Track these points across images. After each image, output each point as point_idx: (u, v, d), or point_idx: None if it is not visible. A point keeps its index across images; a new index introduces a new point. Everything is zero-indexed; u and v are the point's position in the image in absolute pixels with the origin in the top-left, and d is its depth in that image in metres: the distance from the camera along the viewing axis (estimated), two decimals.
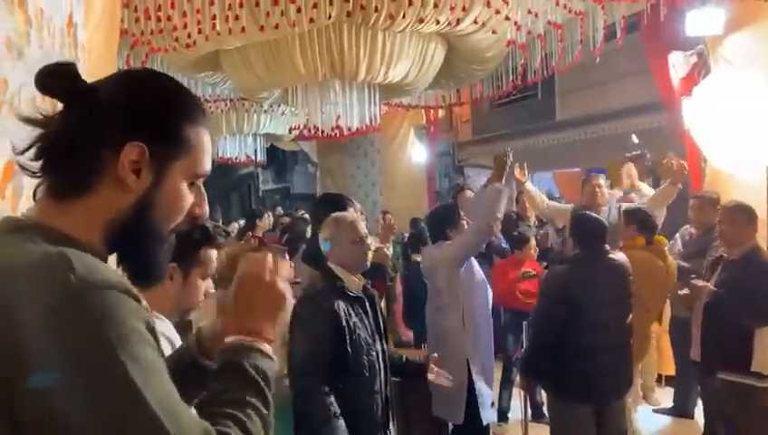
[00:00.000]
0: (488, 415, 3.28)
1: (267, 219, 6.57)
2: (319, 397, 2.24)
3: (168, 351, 1.46)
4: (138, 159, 0.82)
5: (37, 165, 0.84)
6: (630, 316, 3.04)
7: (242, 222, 7.75)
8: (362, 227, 2.54)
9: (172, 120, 0.87)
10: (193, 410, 0.80)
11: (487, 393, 3.27)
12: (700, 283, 3.32)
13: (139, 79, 0.90)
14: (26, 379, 0.67)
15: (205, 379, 0.97)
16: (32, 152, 0.84)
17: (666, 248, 3.65)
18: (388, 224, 6.57)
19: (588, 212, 3.43)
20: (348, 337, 2.33)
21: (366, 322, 2.44)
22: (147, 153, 0.83)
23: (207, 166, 0.91)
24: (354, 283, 2.47)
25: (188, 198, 0.90)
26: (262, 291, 0.95)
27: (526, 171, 4.80)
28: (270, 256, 0.98)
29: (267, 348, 0.91)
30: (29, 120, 0.84)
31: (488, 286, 3.56)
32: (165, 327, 1.52)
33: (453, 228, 3.40)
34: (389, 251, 6.01)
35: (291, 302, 1.00)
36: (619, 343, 2.98)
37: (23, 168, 0.85)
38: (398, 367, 2.67)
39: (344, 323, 2.33)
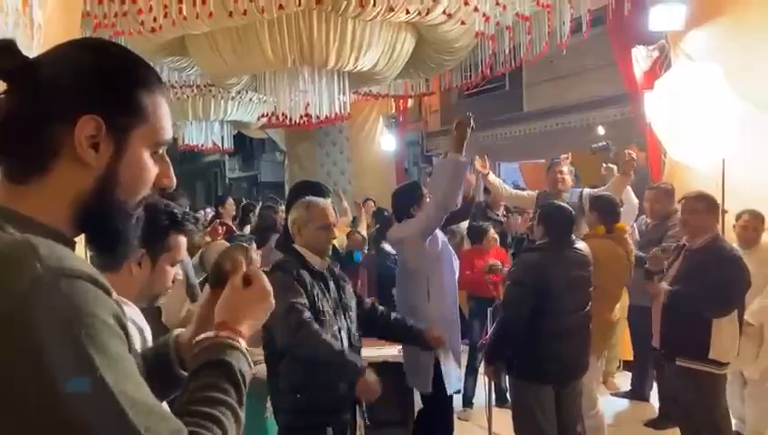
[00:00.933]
0: (453, 385, 3.33)
1: (231, 206, 6.51)
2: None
3: (135, 336, 1.47)
4: (95, 132, 0.77)
5: None
6: (590, 304, 3.13)
7: (208, 210, 7.66)
8: (332, 213, 2.64)
9: (125, 88, 0.81)
10: (165, 406, 0.78)
11: (452, 364, 3.30)
12: (656, 286, 3.39)
13: (85, 48, 0.83)
14: None
15: (177, 386, 0.96)
16: None
17: (627, 235, 3.73)
18: (370, 210, 6.76)
19: (556, 201, 3.50)
20: (312, 306, 2.46)
21: (328, 296, 2.56)
22: (103, 125, 0.78)
23: (169, 133, 0.88)
24: (317, 262, 2.58)
25: (152, 169, 0.85)
26: (262, 303, 0.98)
27: (487, 162, 4.85)
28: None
29: (244, 347, 0.91)
30: None
31: (453, 252, 3.58)
32: (133, 313, 1.51)
33: (416, 206, 3.42)
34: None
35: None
36: (580, 328, 3.08)
37: None
38: (404, 330, 2.91)
39: (309, 289, 2.47)
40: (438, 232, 3.47)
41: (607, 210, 3.60)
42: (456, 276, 3.59)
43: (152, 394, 0.73)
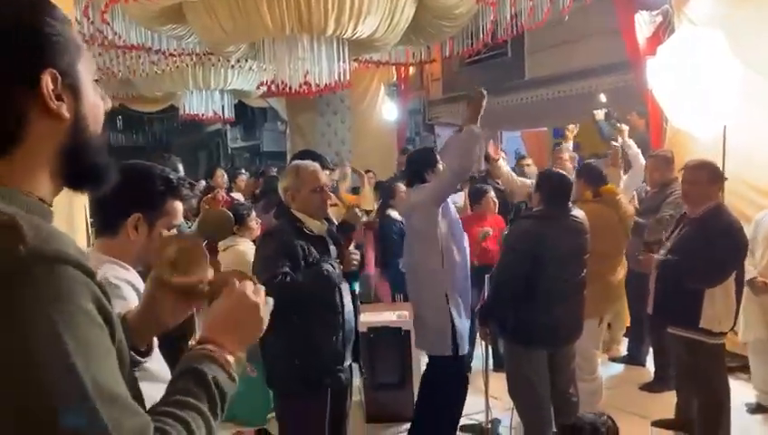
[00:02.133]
0: (465, 347, 3.41)
1: (221, 177, 6.56)
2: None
3: (133, 299, 1.50)
4: (54, 84, 0.78)
5: None
6: (585, 271, 3.16)
7: (202, 182, 7.71)
8: (322, 176, 2.68)
9: (49, 27, 0.79)
10: (134, 403, 0.77)
11: (464, 327, 3.38)
12: (648, 256, 3.41)
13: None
14: None
15: None
16: None
17: (618, 197, 3.75)
18: (372, 181, 6.83)
19: (553, 170, 3.52)
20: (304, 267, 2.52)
21: (328, 259, 2.62)
22: (58, 75, 0.78)
23: (91, 56, 0.88)
24: (316, 226, 2.63)
25: (98, 97, 0.87)
26: (251, 319, 0.98)
27: (499, 148, 4.93)
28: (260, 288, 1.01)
29: (233, 368, 0.92)
30: None
31: (465, 235, 3.59)
32: (131, 276, 1.55)
33: (430, 171, 3.42)
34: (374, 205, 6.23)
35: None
36: (573, 294, 3.12)
37: None
38: None
39: (301, 259, 2.51)
40: (449, 202, 3.50)
41: (591, 175, 3.63)
42: (467, 247, 3.60)
43: (124, 385, 0.75)
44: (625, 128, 4.59)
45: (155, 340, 1.44)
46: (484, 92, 3.23)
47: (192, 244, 1.07)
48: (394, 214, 4.99)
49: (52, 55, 0.78)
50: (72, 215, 2.12)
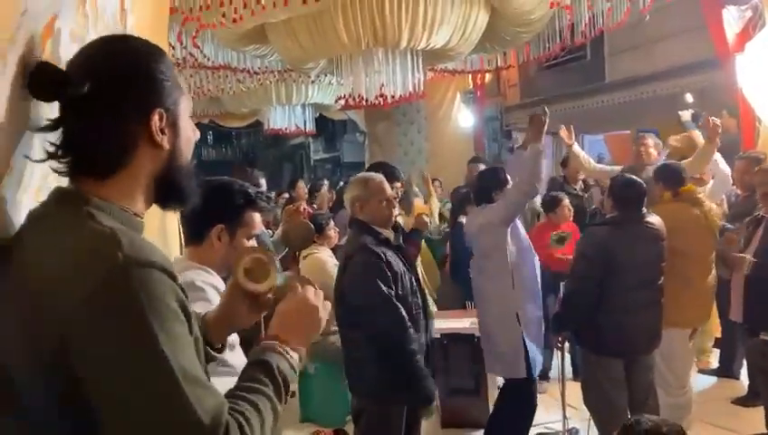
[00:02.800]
0: (537, 368, 3.39)
1: (301, 188, 6.80)
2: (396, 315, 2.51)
3: (218, 299, 1.65)
4: (161, 122, 0.95)
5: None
6: (662, 279, 3.06)
7: (285, 195, 8.03)
8: (388, 188, 2.73)
9: (160, 73, 0.96)
10: (214, 386, 0.89)
11: (535, 349, 3.35)
12: (737, 256, 3.26)
13: (116, 52, 0.95)
14: (74, 342, 0.80)
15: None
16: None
17: (700, 195, 3.58)
18: (437, 190, 6.87)
19: (627, 174, 3.43)
20: (399, 282, 2.57)
21: (407, 270, 2.67)
22: (164, 114, 0.95)
23: (189, 96, 1.05)
24: (391, 235, 2.70)
25: (191, 127, 1.03)
26: (311, 320, 1.11)
27: (573, 133, 4.78)
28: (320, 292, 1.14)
29: (295, 360, 1.04)
30: (40, 129, 0.92)
31: (535, 254, 3.56)
32: (215, 281, 1.71)
33: (498, 191, 3.42)
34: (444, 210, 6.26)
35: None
36: (651, 302, 3.03)
37: (56, 171, 0.93)
38: None
39: (395, 268, 2.57)
40: (522, 230, 3.49)
41: (669, 177, 3.49)
42: (537, 266, 3.55)
43: (203, 371, 0.89)
44: (718, 123, 4.24)
45: (236, 337, 1.59)
46: (547, 110, 3.32)
47: (264, 256, 1.20)
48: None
49: (160, 96, 0.95)
50: (164, 225, 2.33)
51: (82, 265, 0.82)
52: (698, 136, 4.83)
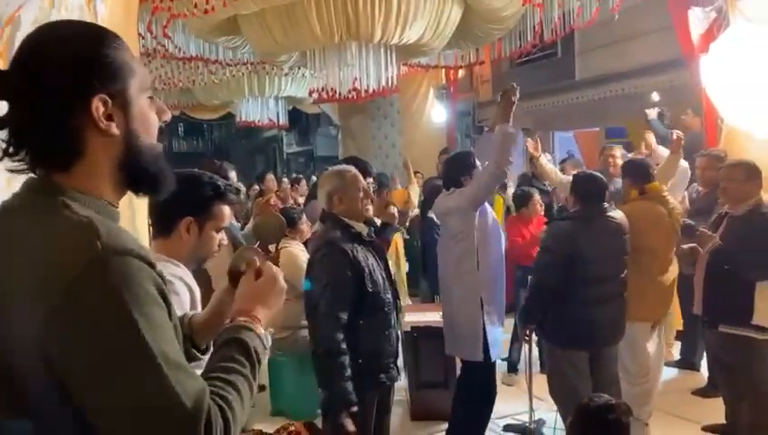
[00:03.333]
0: (496, 353, 3.41)
1: (271, 181, 6.77)
2: (334, 336, 2.47)
3: (185, 293, 1.65)
4: (105, 107, 0.91)
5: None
6: (625, 272, 3.15)
7: (255, 187, 7.96)
8: (362, 180, 2.71)
9: (107, 58, 0.92)
10: (194, 371, 0.90)
11: (497, 332, 3.37)
12: (708, 232, 3.35)
13: (48, 41, 0.92)
14: (54, 328, 0.81)
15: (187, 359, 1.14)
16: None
17: (665, 194, 3.69)
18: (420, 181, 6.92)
19: (588, 171, 3.51)
20: (369, 277, 2.56)
21: (378, 264, 2.66)
22: (108, 100, 0.91)
23: (147, 73, 1.02)
24: (363, 229, 2.68)
25: (152, 111, 1.00)
26: (275, 293, 1.12)
27: (539, 145, 4.89)
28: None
29: (261, 331, 1.05)
30: None
31: (501, 232, 3.58)
32: (184, 274, 1.70)
33: (467, 176, 3.39)
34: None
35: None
36: (614, 295, 3.11)
37: (12, 171, 0.92)
38: None
39: (363, 264, 2.55)
40: (489, 210, 3.49)
41: (636, 172, 3.58)
42: (503, 247, 3.58)
43: (183, 355, 0.89)
44: (681, 136, 4.41)
45: None
46: (516, 88, 3.18)
47: (259, 257, 1.21)
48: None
49: (102, 82, 0.91)
50: (133, 218, 2.31)
51: (62, 255, 0.83)
52: (652, 137, 5.00)
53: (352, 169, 2.76)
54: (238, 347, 0.99)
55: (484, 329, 3.26)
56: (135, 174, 0.98)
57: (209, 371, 0.97)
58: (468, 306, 3.27)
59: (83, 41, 0.93)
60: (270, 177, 6.94)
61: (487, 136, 3.59)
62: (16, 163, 0.92)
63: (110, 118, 0.92)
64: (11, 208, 0.91)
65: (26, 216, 0.89)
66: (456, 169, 3.48)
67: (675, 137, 4.28)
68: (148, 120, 0.99)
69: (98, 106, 0.90)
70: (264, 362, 1.05)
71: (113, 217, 0.95)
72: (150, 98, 1.01)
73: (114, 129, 0.93)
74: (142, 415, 0.82)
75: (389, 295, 2.68)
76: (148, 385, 0.82)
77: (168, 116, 1.06)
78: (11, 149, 0.90)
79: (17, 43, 0.99)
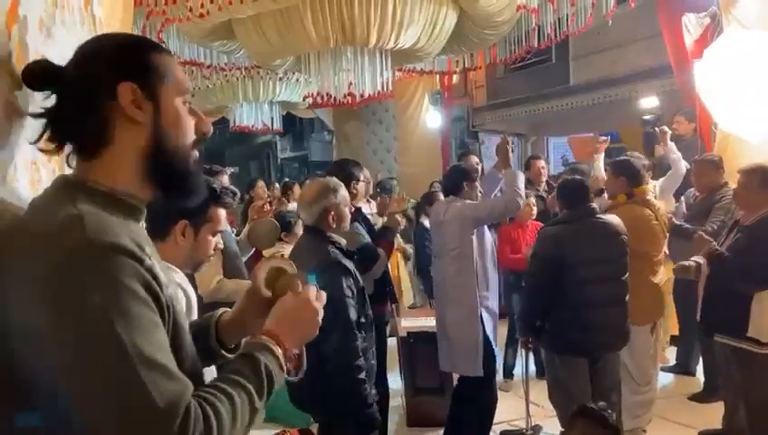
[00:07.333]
0: (495, 366, 3.42)
1: (261, 188, 6.69)
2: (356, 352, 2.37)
3: (181, 299, 1.62)
4: (133, 96, 0.95)
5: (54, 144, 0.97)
6: (626, 274, 3.13)
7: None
8: (345, 191, 2.63)
9: (140, 55, 0.98)
10: (178, 372, 0.86)
11: (493, 345, 3.38)
12: (705, 236, 3.30)
13: (96, 41, 1.01)
14: (25, 323, 0.81)
15: (212, 357, 1.15)
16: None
17: (649, 196, 3.70)
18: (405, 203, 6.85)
19: (571, 176, 3.51)
20: (363, 295, 2.50)
21: (359, 278, 2.57)
22: (138, 88, 0.95)
23: (188, 82, 1.05)
24: (343, 242, 2.60)
25: (187, 116, 1.02)
26: (309, 322, 1.10)
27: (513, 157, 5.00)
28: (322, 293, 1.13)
29: (279, 352, 1.02)
30: (36, 115, 0.96)
31: (491, 239, 3.62)
32: (179, 278, 1.67)
33: (468, 182, 3.49)
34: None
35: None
36: (613, 298, 3.07)
37: (43, 151, 0.98)
38: None
39: (361, 282, 2.50)
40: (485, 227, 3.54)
41: (629, 172, 3.59)
42: (495, 255, 3.61)
43: (168, 355, 0.86)
44: (666, 130, 4.50)
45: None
46: (508, 139, 3.65)
47: (288, 266, 1.19)
48: (427, 223, 5.04)
49: (134, 74, 0.96)
50: None
51: (45, 247, 0.83)
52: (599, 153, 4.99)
53: (337, 181, 2.64)
54: (249, 363, 0.98)
55: (486, 343, 3.26)
56: (159, 169, 0.98)
57: (215, 379, 0.95)
58: (468, 322, 3.26)
59: (126, 41, 1.01)
60: (260, 183, 6.87)
61: (492, 172, 3.78)
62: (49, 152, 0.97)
63: (138, 106, 0.95)
64: (34, 204, 0.94)
65: (40, 212, 0.90)
66: (458, 176, 3.54)
67: (660, 132, 4.31)
68: (181, 120, 1.01)
69: (125, 92, 0.94)
70: (281, 382, 1.01)
71: (127, 213, 0.95)
72: (189, 106, 1.03)
73: (138, 114, 0.95)
74: (111, 412, 0.79)
75: (369, 311, 2.57)
76: (119, 384, 0.80)
77: (207, 128, 1.06)
78: (49, 137, 0.95)
79: (31, 46, 1.06)
